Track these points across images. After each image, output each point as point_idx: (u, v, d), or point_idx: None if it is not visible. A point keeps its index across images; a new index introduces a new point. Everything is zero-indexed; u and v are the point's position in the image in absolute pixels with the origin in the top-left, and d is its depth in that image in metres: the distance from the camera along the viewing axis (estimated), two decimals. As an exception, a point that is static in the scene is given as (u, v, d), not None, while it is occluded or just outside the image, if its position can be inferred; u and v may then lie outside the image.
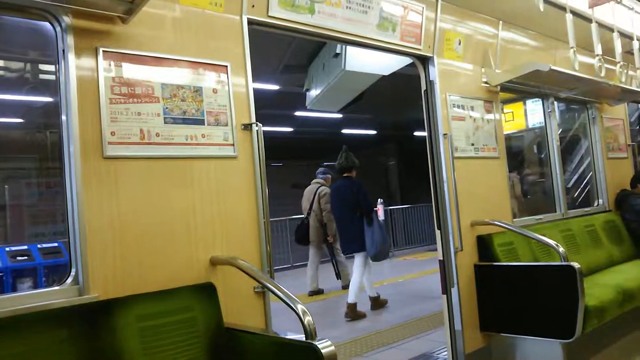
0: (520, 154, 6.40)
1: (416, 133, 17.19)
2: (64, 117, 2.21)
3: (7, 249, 5.54)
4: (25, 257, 5.68)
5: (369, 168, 22.18)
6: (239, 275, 2.49)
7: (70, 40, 2.20)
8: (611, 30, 4.69)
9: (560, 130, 5.72)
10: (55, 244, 5.93)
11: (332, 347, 1.96)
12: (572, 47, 4.16)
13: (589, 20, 4.40)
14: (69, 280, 2.17)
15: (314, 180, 7.58)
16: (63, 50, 2.21)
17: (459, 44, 4.03)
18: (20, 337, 1.90)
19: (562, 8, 4.15)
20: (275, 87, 10.55)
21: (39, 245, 5.99)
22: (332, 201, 6.69)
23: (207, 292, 2.42)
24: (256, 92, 2.78)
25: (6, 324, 1.90)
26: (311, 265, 7.55)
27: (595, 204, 5.68)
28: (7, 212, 5.89)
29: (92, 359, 2.02)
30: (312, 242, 7.41)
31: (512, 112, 6.24)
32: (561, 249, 3.57)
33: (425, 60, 3.89)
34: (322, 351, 1.93)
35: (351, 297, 6.02)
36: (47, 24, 2.24)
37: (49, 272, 5.85)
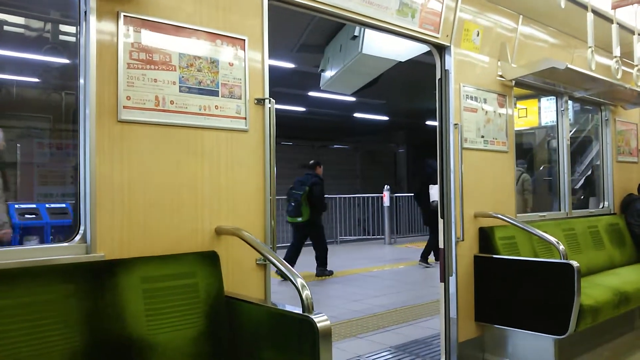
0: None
1: (427, 122, 17.12)
2: (81, 80, 2.25)
3: (17, 206, 5.63)
4: (34, 216, 5.77)
5: (378, 154, 22.21)
6: (242, 247, 2.54)
7: (92, 2, 2.23)
8: (632, 32, 4.65)
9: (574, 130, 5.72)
10: (63, 205, 6.02)
11: (328, 322, 2.01)
12: (590, 47, 4.13)
13: (610, 20, 4.36)
14: (77, 237, 2.22)
15: None
16: (85, 12, 2.24)
17: (477, 35, 4.02)
18: (29, 288, 1.95)
19: (584, 7, 4.12)
20: (290, 65, 10.51)
21: (47, 205, 6.08)
22: None
23: (210, 260, 2.47)
24: (270, 68, 2.81)
25: (16, 273, 1.95)
26: None
27: (601, 205, 5.69)
28: (18, 170, 5.96)
29: (96, 315, 2.08)
30: None
31: (526, 108, 6.24)
32: (561, 247, 3.59)
33: (442, 49, 3.88)
34: (318, 325, 1.98)
35: None
36: (71, -15, 2.27)
37: (55, 232, 5.95)
